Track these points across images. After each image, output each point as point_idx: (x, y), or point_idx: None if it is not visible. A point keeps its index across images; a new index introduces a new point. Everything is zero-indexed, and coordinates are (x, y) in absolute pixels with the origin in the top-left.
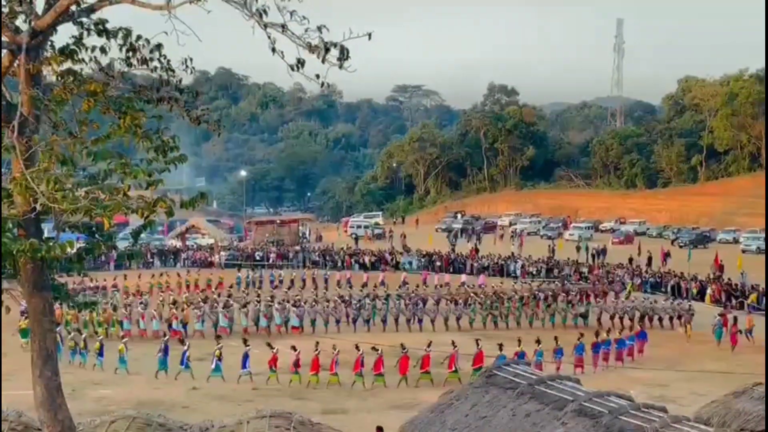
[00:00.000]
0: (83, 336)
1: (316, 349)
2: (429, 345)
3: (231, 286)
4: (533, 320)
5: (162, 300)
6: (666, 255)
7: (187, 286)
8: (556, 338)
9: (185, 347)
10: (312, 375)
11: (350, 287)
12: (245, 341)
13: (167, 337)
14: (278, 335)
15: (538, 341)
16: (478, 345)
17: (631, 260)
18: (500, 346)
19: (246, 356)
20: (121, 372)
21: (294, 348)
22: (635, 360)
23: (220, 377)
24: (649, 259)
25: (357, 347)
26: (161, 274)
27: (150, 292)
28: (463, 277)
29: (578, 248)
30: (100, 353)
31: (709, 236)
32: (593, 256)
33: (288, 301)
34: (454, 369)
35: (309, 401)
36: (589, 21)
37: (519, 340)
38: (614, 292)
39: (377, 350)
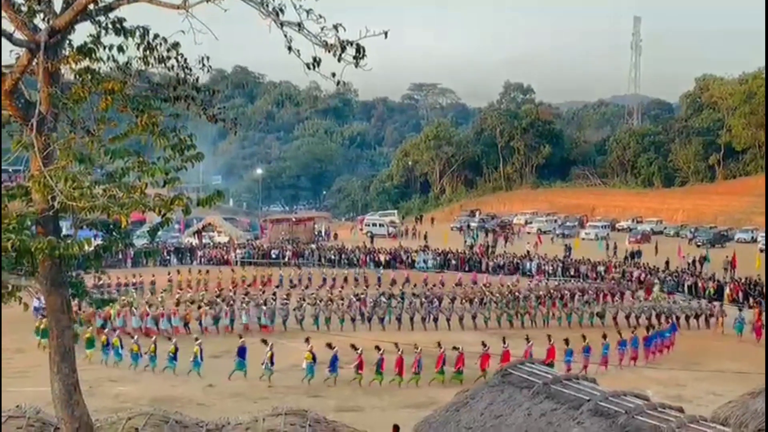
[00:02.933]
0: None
1: (399, 349)
2: (455, 346)
3: (278, 285)
4: (549, 319)
5: (178, 298)
6: (704, 258)
7: (206, 284)
8: (566, 340)
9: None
10: (396, 375)
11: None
12: (330, 345)
13: (243, 339)
14: (283, 333)
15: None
16: (504, 343)
17: (667, 263)
18: (566, 341)
19: (335, 358)
20: (168, 371)
21: (378, 348)
22: (663, 354)
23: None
24: (693, 261)
25: (439, 345)
26: (199, 271)
27: (198, 288)
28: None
29: (607, 246)
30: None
31: (726, 235)
32: (626, 258)
33: (304, 299)
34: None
35: (324, 399)
36: (606, 18)
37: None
38: (631, 291)
39: (417, 348)
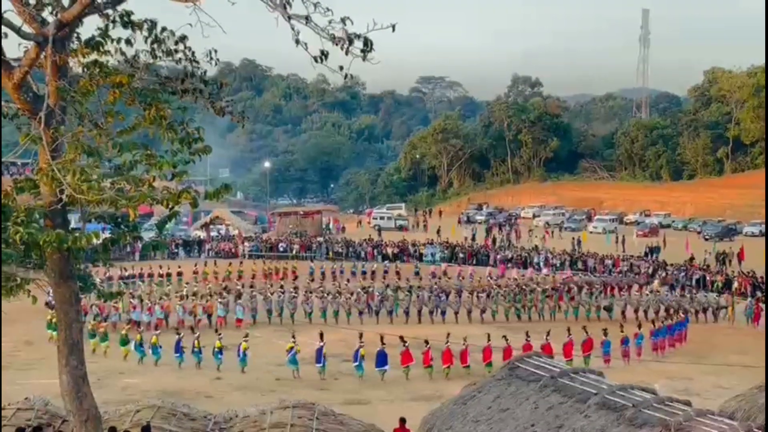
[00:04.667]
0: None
1: (447, 341)
2: (447, 337)
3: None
4: (556, 312)
5: (185, 291)
6: (723, 255)
7: (216, 277)
8: (605, 331)
9: (196, 335)
10: (445, 368)
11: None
12: (382, 338)
13: (295, 341)
14: (290, 326)
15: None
16: (506, 340)
17: (692, 259)
18: (605, 331)
19: (382, 354)
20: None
21: (426, 342)
22: (675, 348)
23: (241, 367)
24: (723, 259)
25: (489, 338)
26: (230, 263)
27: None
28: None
29: (617, 239)
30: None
31: (735, 229)
32: (646, 253)
33: (311, 292)
34: (467, 364)
35: (332, 392)
36: (614, 11)
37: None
38: (638, 285)
39: (427, 343)
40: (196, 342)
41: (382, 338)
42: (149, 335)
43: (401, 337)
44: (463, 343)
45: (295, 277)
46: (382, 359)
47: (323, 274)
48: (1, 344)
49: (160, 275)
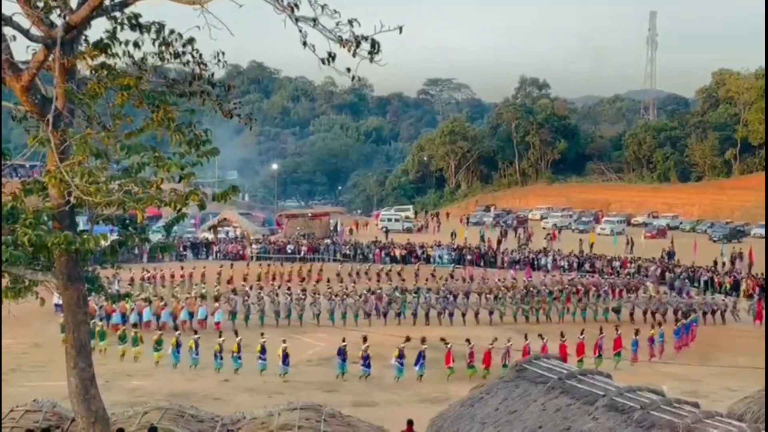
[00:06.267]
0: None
1: (492, 344)
2: (493, 342)
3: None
4: (564, 314)
5: (194, 293)
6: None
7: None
8: (636, 330)
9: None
10: (484, 369)
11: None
12: (423, 340)
13: (345, 342)
14: (298, 328)
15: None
16: (526, 339)
17: (715, 263)
18: (636, 331)
19: (422, 355)
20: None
21: (468, 341)
22: (688, 348)
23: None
24: (750, 264)
25: (525, 338)
26: (260, 264)
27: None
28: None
29: (627, 241)
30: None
31: (743, 231)
32: (662, 257)
33: (319, 294)
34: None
35: (339, 393)
36: (621, 13)
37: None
38: (645, 286)
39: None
40: (235, 347)
41: (423, 339)
42: (186, 338)
43: (442, 339)
44: (507, 343)
45: (305, 280)
46: (421, 359)
47: (349, 275)
48: (2, 346)
49: (182, 276)
